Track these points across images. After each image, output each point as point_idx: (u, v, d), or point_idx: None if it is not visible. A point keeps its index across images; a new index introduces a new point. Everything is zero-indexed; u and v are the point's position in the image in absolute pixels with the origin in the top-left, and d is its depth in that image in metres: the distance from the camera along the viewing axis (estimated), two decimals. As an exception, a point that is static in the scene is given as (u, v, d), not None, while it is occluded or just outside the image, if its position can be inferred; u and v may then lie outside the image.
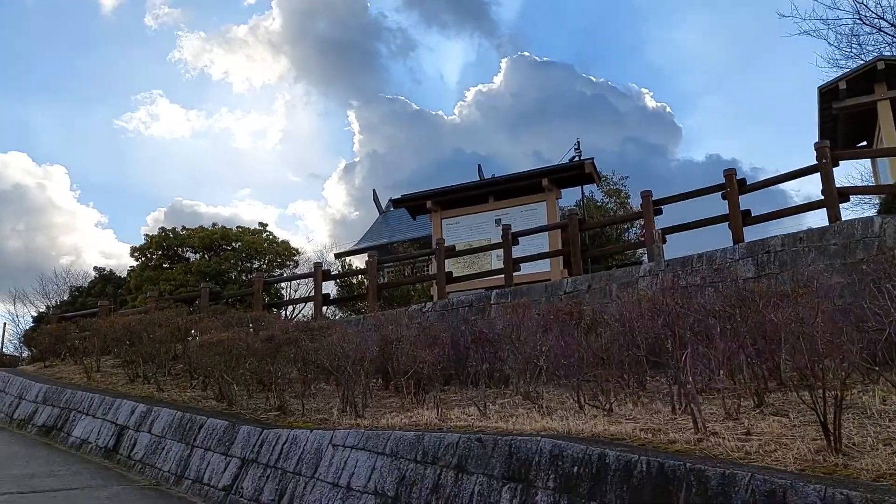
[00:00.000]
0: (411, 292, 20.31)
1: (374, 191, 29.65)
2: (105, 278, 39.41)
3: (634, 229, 20.16)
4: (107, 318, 13.81)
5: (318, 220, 70.80)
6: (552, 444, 4.56)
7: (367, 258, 15.29)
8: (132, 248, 24.84)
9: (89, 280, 41.27)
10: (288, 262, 25.35)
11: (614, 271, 11.58)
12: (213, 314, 13.69)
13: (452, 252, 14.25)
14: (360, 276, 20.57)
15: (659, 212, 11.69)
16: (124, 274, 38.90)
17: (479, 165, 26.36)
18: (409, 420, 6.50)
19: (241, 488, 6.75)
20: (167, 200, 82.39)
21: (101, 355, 13.32)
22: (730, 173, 10.75)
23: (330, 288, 22.89)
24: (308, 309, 22.84)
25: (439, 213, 18.47)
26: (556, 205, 17.13)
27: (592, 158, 16.76)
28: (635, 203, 20.88)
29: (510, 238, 13.22)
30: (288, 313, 22.36)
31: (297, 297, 24.20)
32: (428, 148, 68.72)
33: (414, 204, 19.05)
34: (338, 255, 26.62)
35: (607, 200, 20.79)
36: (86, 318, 16.48)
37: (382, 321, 11.34)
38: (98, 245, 65.92)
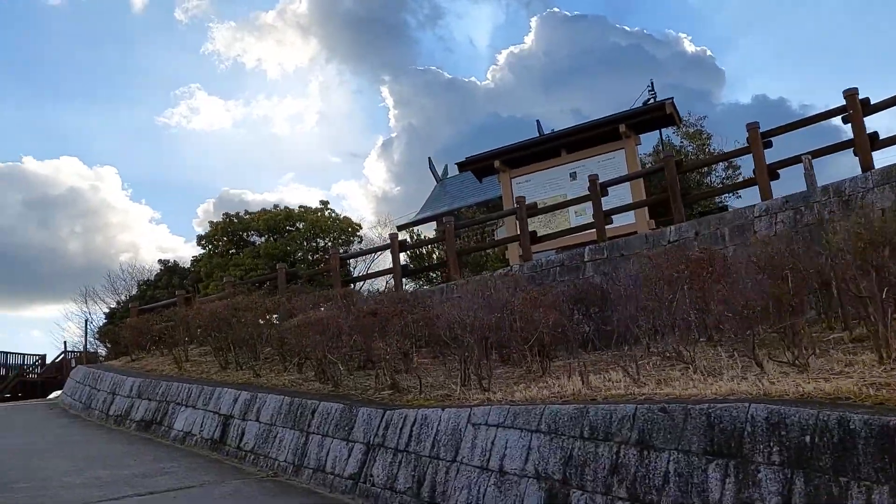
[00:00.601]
0: (483, 258, 19.66)
1: (429, 158, 28.95)
2: (170, 270, 40.03)
3: (717, 173, 18.99)
4: (191, 307, 13.54)
5: (361, 199, 70.76)
6: (767, 409, 3.82)
7: (443, 224, 14.64)
8: (199, 236, 24.82)
9: (155, 273, 41.92)
10: (351, 239, 24.97)
11: (724, 214, 10.66)
12: (293, 294, 13.29)
13: (535, 210, 13.47)
14: (429, 246, 20.01)
15: (769, 144, 10.67)
16: (187, 264, 39.46)
17: (537, 121, 25.41)
18: (550, 392, 5.84)
19: (371, 476, 6.22)
20: (215, 191, 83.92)
21: (187, 344, 13.06)
22: (852, 93, 9.66)
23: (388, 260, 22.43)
24: (372, 284, 22.51)
25: (508, 173, 17.69)
26: (636, 152, 16.14)
27: (672, 98, 15.67)
28: (715, 145, 19.70)
29: (598, 189, 12.36)
30: (355, 289, 21.98)
31: (358, 273, 23.87)
32: (463, 116, 67.52)
33: (480, 165, 18.29)
34: (401, 228, 26.08)
35: (686, 144, 19.61)
36: (165, 308, 16.32)
37: (475, 287, 10.72)
38: (154, 240, 67.46)
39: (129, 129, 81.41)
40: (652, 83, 18.95)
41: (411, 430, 6.12)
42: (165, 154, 79.98)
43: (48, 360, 38.38)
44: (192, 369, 12.03)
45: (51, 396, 38.02)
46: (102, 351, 42.42)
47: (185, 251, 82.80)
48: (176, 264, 40.50)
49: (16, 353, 37.31)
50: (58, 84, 79.70)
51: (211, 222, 24.70)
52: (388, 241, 14.73)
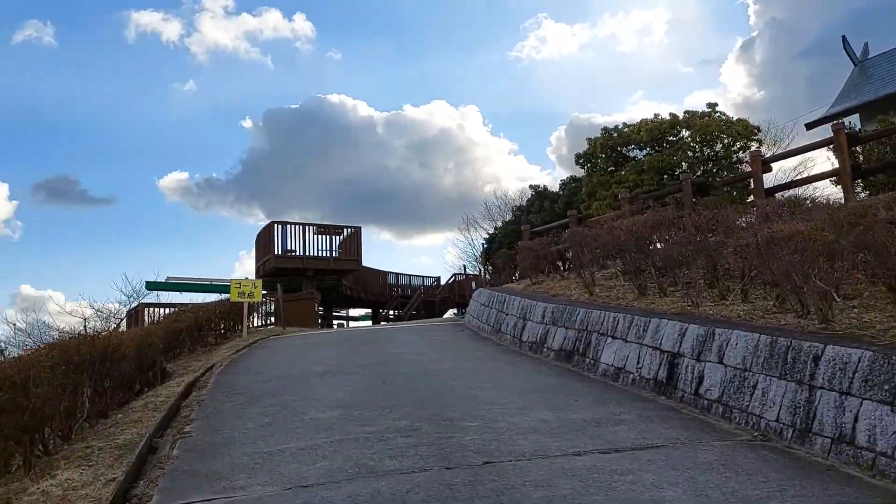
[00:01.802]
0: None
1: (843, 38, 23.45)
2: (540, 195, 41.17)
3: None
4: (597, 227, 12.40)
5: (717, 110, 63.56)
6: None
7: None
8: (576, 155, 23.80)
9: (526, 199, 43.39)
10: (748, 144, 21.48)
11: None
12: (715, 208, 11.16)
13: None
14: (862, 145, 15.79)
15: None
16: (552, 189, 39.99)
17: None
18: None
19: (960, 468, 4.03)
20: (565, 118, 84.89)
21: (592, 267, 11.94)
22: None
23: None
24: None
25: None
26: None
27: None
28: None
29: None
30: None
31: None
32: (841, -3, 55.08)
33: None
34: (809, 126, 21.72)
35: None
36: (559, 230, 15.59)
37: None
38: (513, 170, 71.60)
39: (486, 68, 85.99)
40: None
41: None
42: (518, 87, 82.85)
43: (442, 282, 42.49)
44: (603, 294, 10.86)
45: (446, 315, 42.21)
46: (486, 274, 45.70)
47: (541, 178, 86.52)
48: (545, 189, 41.39)
49: (417, 276, 41.98)
50: (424, 38, 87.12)
51: (588, 139, 23.43)
52: (831, 136, 11.54)
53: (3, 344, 29.30)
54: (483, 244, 44.43)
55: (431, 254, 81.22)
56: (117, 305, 31.80)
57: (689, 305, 8.31)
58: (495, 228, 44.10)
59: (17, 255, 66.37)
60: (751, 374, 5.99)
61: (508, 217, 44.46)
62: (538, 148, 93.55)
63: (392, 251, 79.78)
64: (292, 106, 76.84)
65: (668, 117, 21.65)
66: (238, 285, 16.82)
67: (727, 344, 6.41)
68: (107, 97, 74.25)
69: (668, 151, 20.93)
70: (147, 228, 74.96)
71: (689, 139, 21.29)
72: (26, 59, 69.47)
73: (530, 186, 42.33)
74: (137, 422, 7.24)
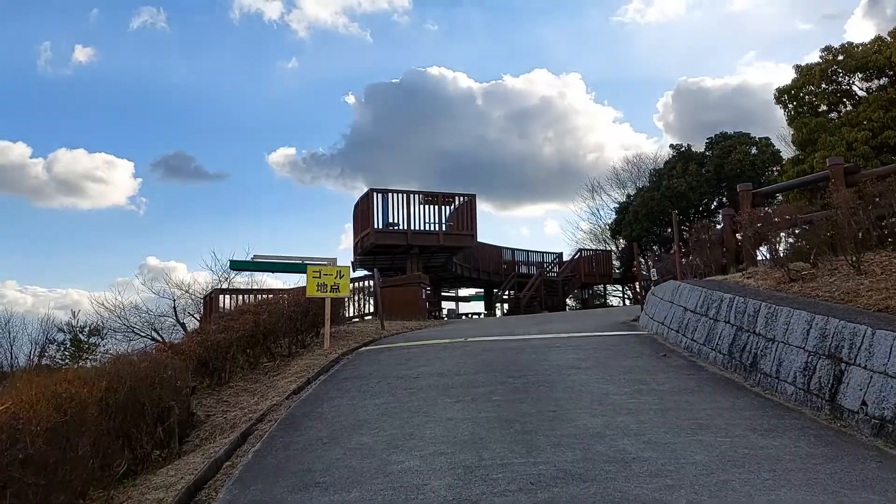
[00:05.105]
0: None
1: None
2: (683, 156, 36.15)
3: None
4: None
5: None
6: None
7: None
8: (777, 90, 17.33)
9: (664, 161, 37.76)
10: None
11: None
12: None
13: None
14: None
15: None
16: (700, 149, 35.05)
17: None
18: None
19: None
20: (671, 84, 79.17)
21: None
22: None
23: None
24: None
25: None
26: None
27: None
28: None
29: None
30: None
31: None
32: None
33: None
34: None
35: None
36: (800, 188, 9.65)
37: None
38: (618, 139, 66.97)
39: (588, 34, 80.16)
40: None
41: None
42: (622, 53, 76.82)
43: (564, 258, 36.56)
44: None
45: (570, 302, 36.42)
46: (613, 247, 39.68)
47: (648, 147, 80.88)
48: (689, 148, 35.98)
49: (535, 251, 36.21)
50: (523, 4, 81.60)
51: (797, 66, 16.93)
52: None
53: (99, 325, 26.45)
54: (613, 215, 38.40)
55: (531, 225, 75.84)
56: (209, 283, 28.25)
57: None
58: (627, 196, 37.97)
59: (143, 229, 67.26)
60: None
61: (642, 183, 38.30)
62: (644, 115, 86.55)
63: (491, 223, 75.46)
64: (393, 80, 73.22)
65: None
66: (317, 274, 11.93)
67: None
68: (217, 77, 73.67)
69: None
70: (259, 202, 74.25)
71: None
72: (143, 44, 69.79)
73: (671, 146, 36.58)
74: None
